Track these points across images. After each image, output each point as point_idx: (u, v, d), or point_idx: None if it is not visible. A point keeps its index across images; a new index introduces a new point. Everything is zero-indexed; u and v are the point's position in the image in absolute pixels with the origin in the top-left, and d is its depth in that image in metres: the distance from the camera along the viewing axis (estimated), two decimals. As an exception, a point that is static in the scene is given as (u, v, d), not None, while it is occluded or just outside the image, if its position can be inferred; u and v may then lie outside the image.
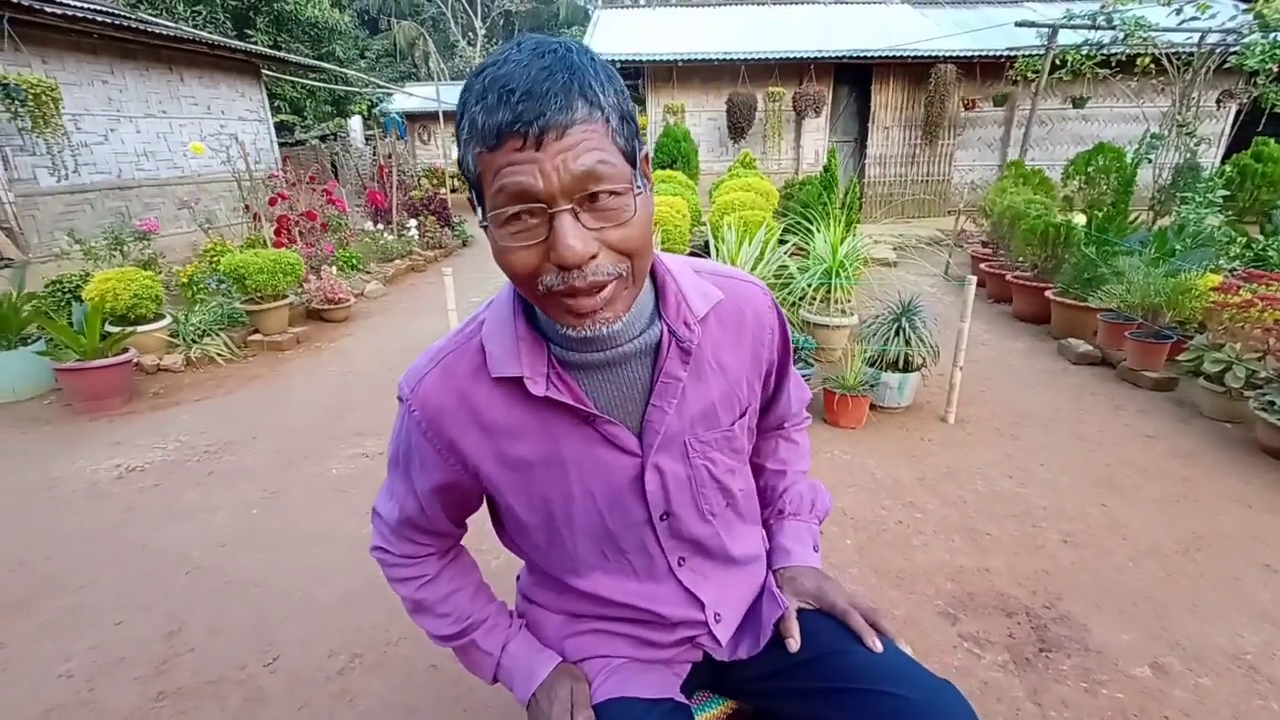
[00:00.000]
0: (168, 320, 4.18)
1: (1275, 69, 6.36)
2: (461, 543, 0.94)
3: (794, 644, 0.81)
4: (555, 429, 0.73)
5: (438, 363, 0.74)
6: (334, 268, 5.79)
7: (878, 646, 0.78)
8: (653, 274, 0.74)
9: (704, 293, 0.77)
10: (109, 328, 3.73)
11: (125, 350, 3.63)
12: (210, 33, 10.23)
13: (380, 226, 7.70)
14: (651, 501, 0.78)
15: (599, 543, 0.80)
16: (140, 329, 3.93)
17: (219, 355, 4.20)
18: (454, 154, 14.38)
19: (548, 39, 0.58)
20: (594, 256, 0.58)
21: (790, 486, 0.98)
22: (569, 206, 0.56)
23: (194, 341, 4.20)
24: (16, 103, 4.89)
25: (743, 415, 0.83)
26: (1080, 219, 4.93)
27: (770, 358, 0.86)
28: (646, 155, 0.64)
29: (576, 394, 0.71)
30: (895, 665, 0.77)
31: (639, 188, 0.60)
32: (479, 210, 0.62)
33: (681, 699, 0.83)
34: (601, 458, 0.75)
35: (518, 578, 1.00)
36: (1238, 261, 4.31)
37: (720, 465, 0.81)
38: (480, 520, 0.91)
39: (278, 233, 5.81)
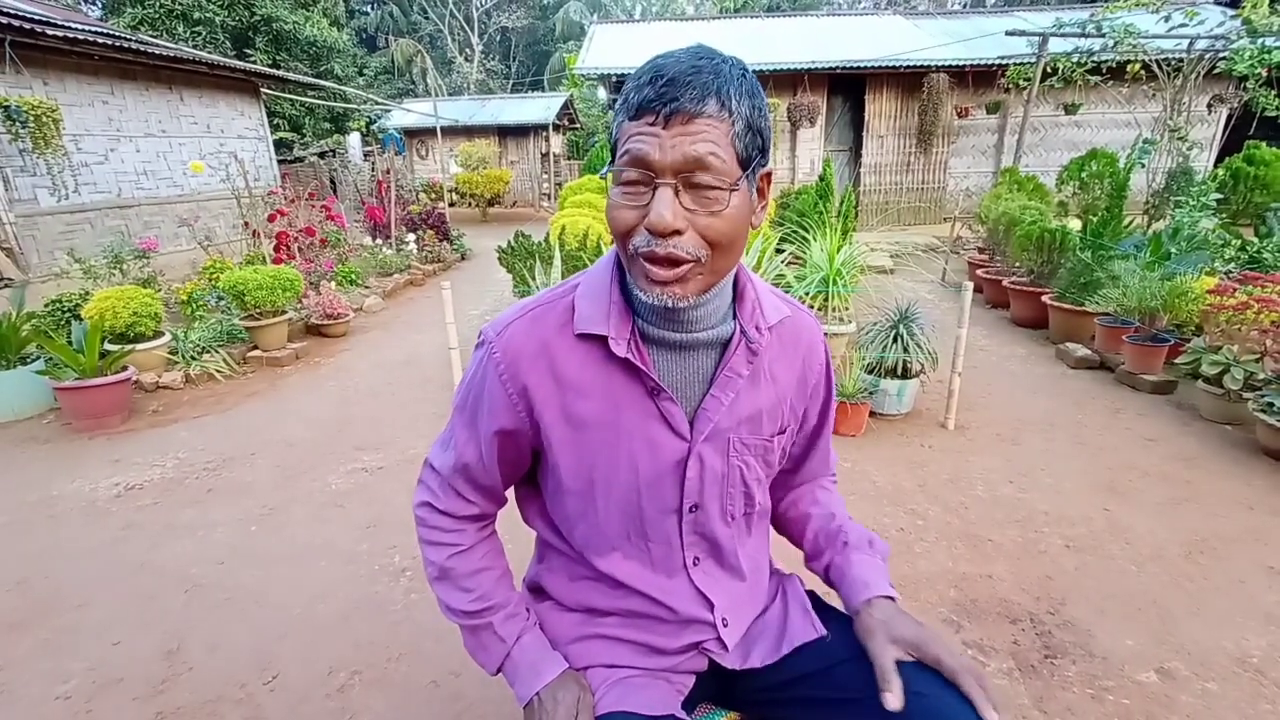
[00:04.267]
0: (167, 338, 4.18)
1: (1264, 73, 6.43)
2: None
3: (894, 701, 0.71)
4: (620, 396, 0.78)
5: (527, 312, 0.80)
6: (333, 283, 5.81)
7: (994, 718, 0.72)
8: (735, 278, 0.80)
9: (775, 306, 0.84)
10: (108, 346, 3.73)
11: (124, 368, 3.63)
12: (210, 53, 10.32)
13: (379, 241, 7.73)
14: (687, 490, 0.81)
15: (627, 523, 0.83)
16: (139, 347, 3.93)
17: (218, 372, 4.20)
18: (451, 169, 14.49)
19: (716, 50, 0.68)
20: (679, 232, 0.65)
21: (845, 522, 0.95)
22: (672, 182, 0.64)
23: (193, 358, 4.20)
24: (17, 124, 4.94)
25: (781, 432, 0.87)
26: (1075, 224, 4.97)
27: (814, 388, 0.91)
28: (769, 173, 0.72)
29: (648, 364, 0.76)
30: (915, 670, 0.76)
31: (738, 186, 0.66)
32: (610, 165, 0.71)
33: (682, 715, 0.82)
34: (654, 434, 0.79)
35: (524, 577, 1.00)
36: (1233, 264, 4.33)
37: (752, 471, 0.85)
38: (506, 514, 0.92)
39: (277, 249, 5.83)
